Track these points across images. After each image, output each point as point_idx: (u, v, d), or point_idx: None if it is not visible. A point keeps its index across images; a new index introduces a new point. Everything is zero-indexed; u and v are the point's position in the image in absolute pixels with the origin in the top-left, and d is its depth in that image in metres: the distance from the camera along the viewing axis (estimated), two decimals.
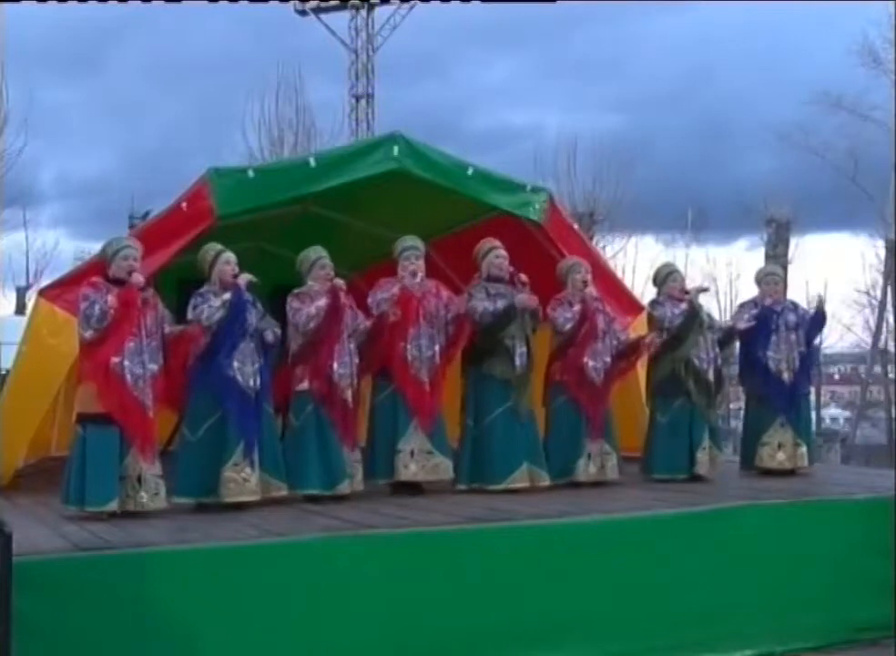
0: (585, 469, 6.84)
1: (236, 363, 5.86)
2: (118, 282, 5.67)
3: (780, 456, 7.34)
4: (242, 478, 5.80)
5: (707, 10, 39.59)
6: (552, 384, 6.97)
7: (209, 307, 5.87)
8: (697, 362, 7.15)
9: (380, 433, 6.49)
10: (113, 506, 5.45)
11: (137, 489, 5.56)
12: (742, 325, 7.49)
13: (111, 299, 5.53)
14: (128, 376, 5.54)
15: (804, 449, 7.46)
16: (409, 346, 6.40)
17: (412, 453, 6.37)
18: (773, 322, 7.44)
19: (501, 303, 6.62)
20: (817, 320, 7.68)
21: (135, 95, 38.55)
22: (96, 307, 5.54)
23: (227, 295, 5.90)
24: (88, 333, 5.59)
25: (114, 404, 5.50)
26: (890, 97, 20.68)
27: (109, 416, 5.49)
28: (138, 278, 5.67)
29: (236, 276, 5.98)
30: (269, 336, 6.08)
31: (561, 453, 6.84)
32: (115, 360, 5.51)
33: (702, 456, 7.06)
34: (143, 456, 5.56)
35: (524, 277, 6.66)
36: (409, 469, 6.37)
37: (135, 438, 5.54)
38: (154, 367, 5.68)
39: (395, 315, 6.34)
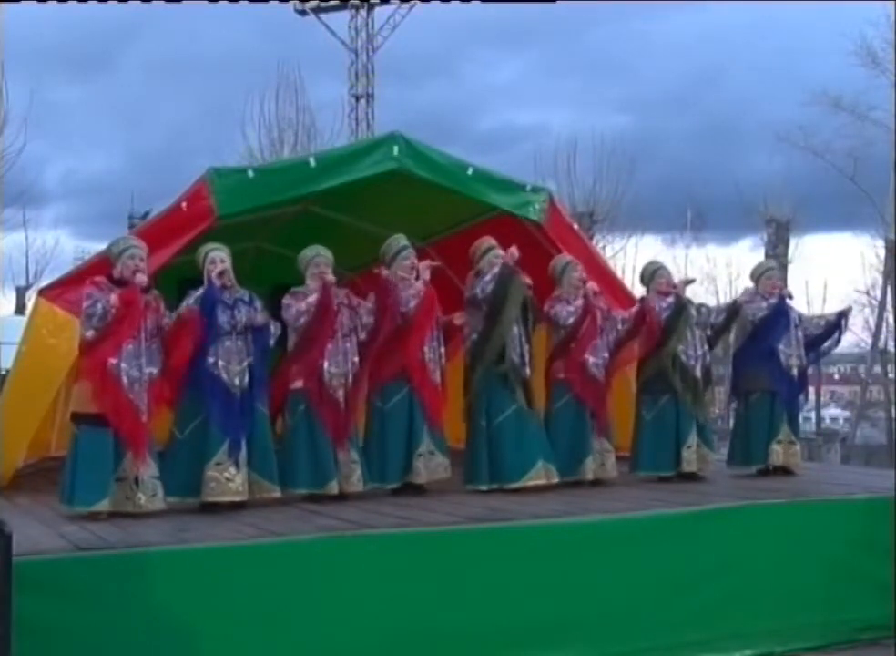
0: (592, 467, 6.86)
1: (220, 362, 5.83)
2: (122, 283, 5.66)
3: (781, 452, 7.33)
4: (225, 478, 5.77)
5: (711, 11, 39.70)
6: (554, 383, 6.97)
7: (186, 305, 5.89)
8: (684, 358, 7.15)
9: (392, 436, 6.41)
10: (102, 506, 5.44)
11: (135, 491, 5.55)
12: (743, 297, 7.52)
13: (114, 298, 5.53)
14: (124, 378, 5.53)
15: (797, 447, 7.46)
16: (426, 348, 6.41)
17: (424, 455, 6.38)
18: (787, 317, 7.43)
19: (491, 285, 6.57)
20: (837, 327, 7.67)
21: (141, 94, 38.69)
22: (99, 306, 5.53)
23: (199, 291, 5.90)
24: (90, 333, 5.59)
25: (108, 405, 5.49)
26: (889, 97, 20.68)
27: (103, 417, 5.49)
28: (142, 278, 5.67)
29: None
30: (271, 329, 6.08)
31: (566, 451, 6.84)
32: (112, 361, 5.50)
33: (689, 454, 7.05)
34: (135, 459, 5.54)
35: (528, 279, 6.66)
36: (424, 471, 6.38)
37: (128, 441, 5.53)
38: (153, 370, 5.66)
39: (410, 303, 6.34)
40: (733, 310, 7.58)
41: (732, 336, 8.00)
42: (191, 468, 5.79)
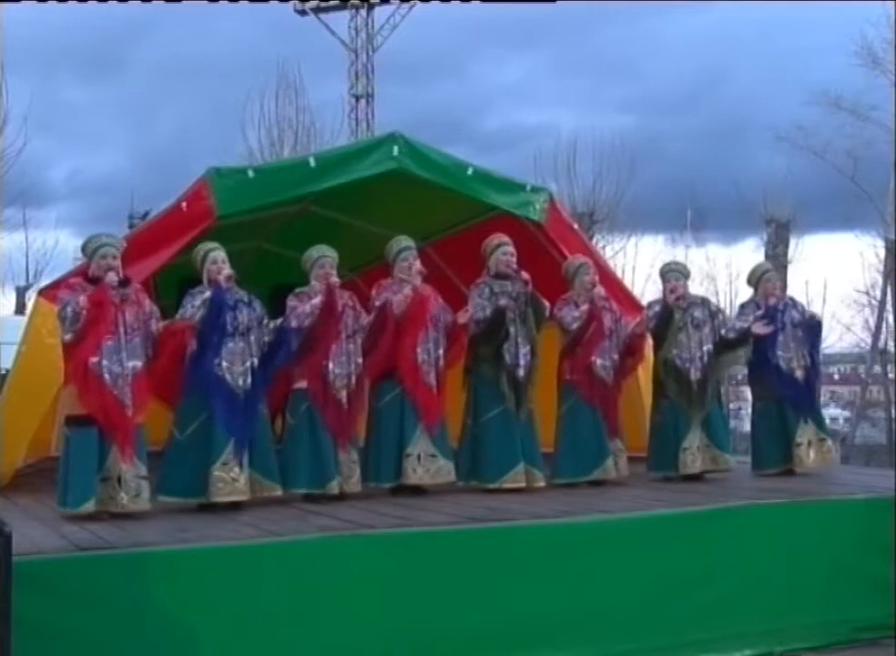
0: (612, 467, 6.87)
1: (224, 363, 5.85)
2: (97, 281, 5.64)
3: (812, 453, 7.31)
4: (231, 478, 5.78)
5: (716, 11, 39.69)
6: (563, 384, 6.98)
7: (192, 307, 5.89)
8: (678, 361, 7.13)
9: (384, 436, 6.44)
10: (89, 507, 5.42)
11: (117, 490, 5.52)
12: (760, 330, 7.27)
13: (82, 300, 5.51)
14: (107, 376, 5.51)
15: (829, 442, 7.49)
16: (418, 349, 6.40)
17: (419, 457, 6.37)
18: (779, 321, 7.37)
19: (489, 310, 6.62)
20: (812, 327, 7.61)
21: (147, 94, 38.67)
22: (69, 309, 5.52)
23: (207, 293, 5.90)
24: (67, 336, 5.58)
25: (93, 404, 5.48)
26: (889, 97, 20.68)
27: (90, 417, 5.48)
28: (112, 277, 5.61)
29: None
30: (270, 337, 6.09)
31: (580, 452, 6.84)
32: (93, 360, 5.49)
33: (685, 456, 7.03)
34: (122, 456, 5.52)
35: (525, 275, 6.66)
36: (416, 473, 6.37)
37: (114, 438, 5.51)
38: (136, 364, 5.63)
39: (399, 306, 6.32)
40: (745, 335, 7.38)
41: None
42: (194, 469, 5.79)
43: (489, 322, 6.61)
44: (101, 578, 4.42)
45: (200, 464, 5.78)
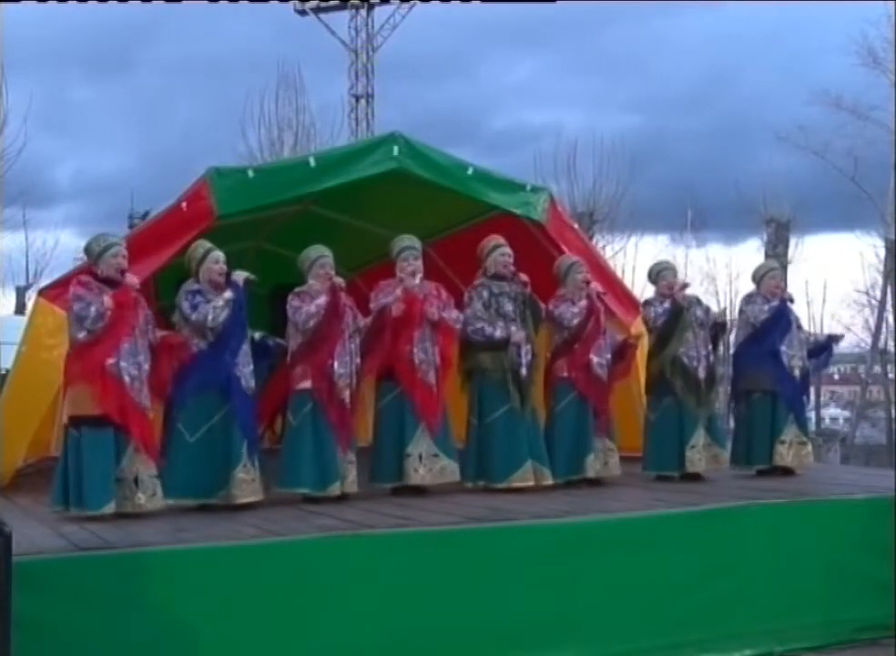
0: (593, 465, 6.86)
1: (240, 364, 5.87)
2: (107, 281, 5.63)
3: (791, 453, 7.34)
4: (251, 478, 5.82)
5: (722, 11, 39.63)
6: (557, 382, 6.95)
7: (214, 307, 5.82)
8: (686, 360, 7.15)
9: (386, 436, 6.45)
10: (110, 508, 5.42)
11: (135, 491, 5.54)
12: (761, 318, 7.40)
13: (107, 300, 5.48)
14: (126, 377, 5.51)
15: (809, 447, 7.49)
16: (415, 349, 6.39)
17: (420, 457, 6.37)
18: (789, 318, 7.42)
19: (499, 333, 6.62)
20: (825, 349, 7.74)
21: (153, 94, 38.66)
22: (92, 308, 5.47)
23: (228, 294, 5.88)
24: (81, 334, 5.52)
25: (112, 405, 5.46)
26: (889, 97, 20.69)
27: (106, 418, 5.46)
28: (134, 280, 5.64)
29: (225, 275, 5.96)
30: (271, 342, 6.13)
31: (569, 450, 6.84)
32: (110, 361, 5.47)
33: (692, 454, 7.06)
34: (144, 457, 5.55)
35: (524, 277, 6.66)
36: (418, 473, 6.36)
37: (138, 440, 5.52)
38: (146, 366, 5.66)
39: (399, 310, 6.33)
40: (719, 325, 7.51)
41: (733, 336, 7.99)
42: (209, 470, 5.77)
43: (493, 342, 6.60)
44: (101, 578, 4.42)
45: (215, 465, 5.77)
